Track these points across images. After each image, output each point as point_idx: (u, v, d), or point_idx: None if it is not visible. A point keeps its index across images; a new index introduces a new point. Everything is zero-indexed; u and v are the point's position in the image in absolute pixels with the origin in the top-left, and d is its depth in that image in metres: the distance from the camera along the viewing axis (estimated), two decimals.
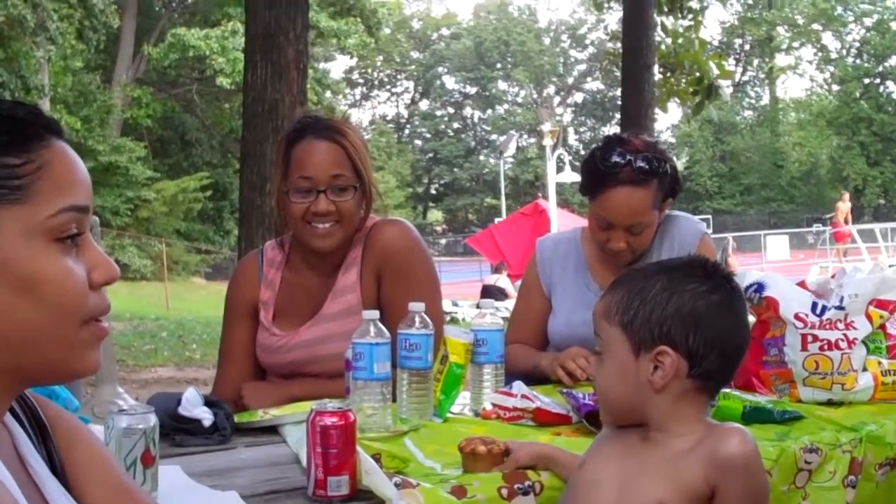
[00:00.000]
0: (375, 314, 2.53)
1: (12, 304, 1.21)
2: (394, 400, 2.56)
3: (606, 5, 13.35)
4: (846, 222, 29.66)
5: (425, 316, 2.61)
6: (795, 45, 62.62)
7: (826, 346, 2.76)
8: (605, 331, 1.86)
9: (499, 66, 68.22)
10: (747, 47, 64.78)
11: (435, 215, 69.69)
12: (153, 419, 1.86)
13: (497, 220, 30.03)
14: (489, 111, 69.73)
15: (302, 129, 3.10)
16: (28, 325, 1.22)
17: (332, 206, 2.98)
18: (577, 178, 20.22)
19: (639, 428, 1.87)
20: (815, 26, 59.94)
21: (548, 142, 26.21)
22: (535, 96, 69.40)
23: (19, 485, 1.21)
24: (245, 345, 3.21)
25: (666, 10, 10.98)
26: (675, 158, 3.36)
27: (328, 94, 43.10)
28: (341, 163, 3.01)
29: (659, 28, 10.57)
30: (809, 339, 2.77)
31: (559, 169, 24.68)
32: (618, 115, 9.91)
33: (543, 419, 2.56)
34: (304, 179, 3.00)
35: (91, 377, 2.36)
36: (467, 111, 70.98)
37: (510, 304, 12.84)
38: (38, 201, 1.23)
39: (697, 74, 10.87)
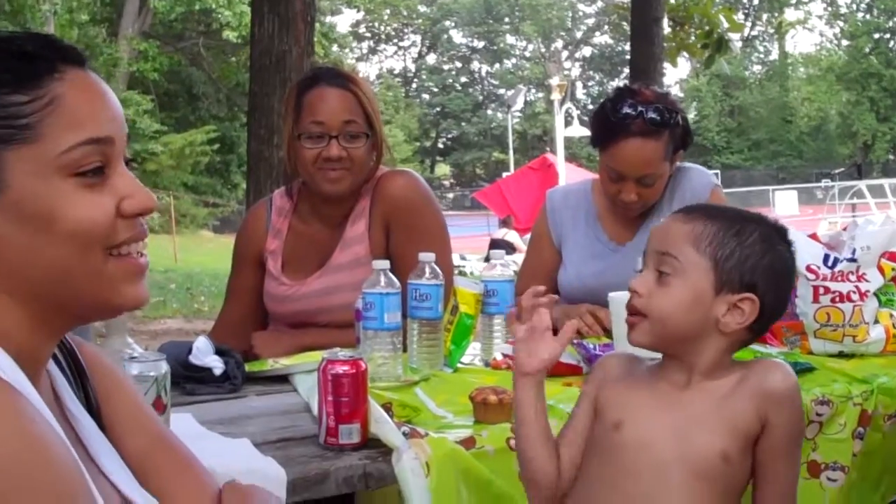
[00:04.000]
0: (386, 264, 2.53)
1: (35, 242, 1.20)
2: (404, 350, 2.57)
3: None
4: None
5: (435, 266, 2.61)
6: None
7: (838, 299, 2.75)
8: (688, 256, 1.79)
9: (507, 19, 67.87)
10: (756, 1, 64.34)
11: (442, 169, 69.56)
12: (164, 366, 1.86)
13: (505, 174, 29.93)
14: (497, 65, 69.46)
15: (314, 77, 3.10)
16: (54, 262, 1.22)
17: (344, 151, 2.98)
18: (585, 132, 20.13)
19: (666, 375, 1.85)
20: None
21: (556, 96, 26.07)
22: (543, 50, 69.07)
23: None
24: (249, 289, 3.24)
25: None
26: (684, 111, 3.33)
27: (335, 47, 42.87)
28: (353, 110, 3.00)
29: None
30: (821, 290, 2.76)
31: (567, 123, 24.56)
32: (626, 70, 9.86)
33: (554, 370, 2.55)
34: (316, 125, 3.00)
35: (101, 329, 2.36)
36: (475, 65, 70.70)
37: (518, 257, 12.85)
38: (48, 139, 1.21)
39: (707, 28, 10.79)
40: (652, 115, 3.11)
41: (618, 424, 1.84)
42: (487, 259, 2.98)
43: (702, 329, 1.80)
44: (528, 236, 3.92)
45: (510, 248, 17.47)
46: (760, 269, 1.80)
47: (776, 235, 1.86)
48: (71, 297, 1.24)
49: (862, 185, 30.17)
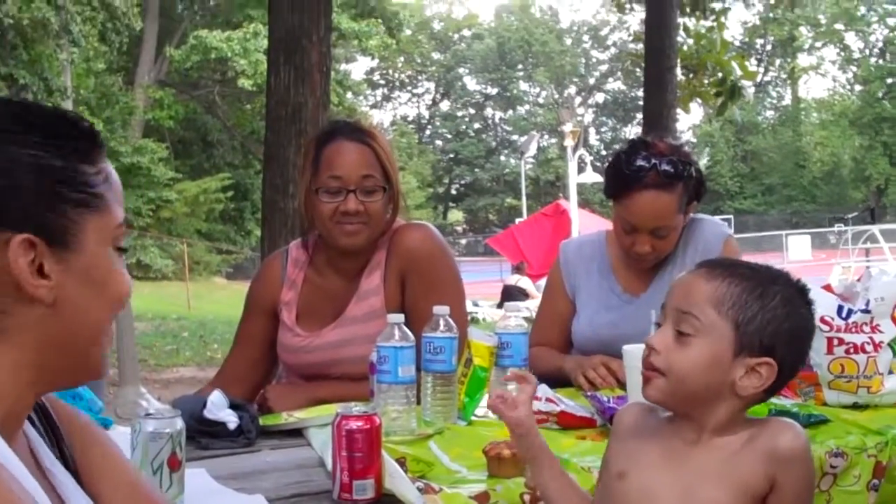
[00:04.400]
0: (400, 318, 2.53)
1: (91, 305, 1.31)
2: (418, 403, 2.57)
3: (628, 6, 13.29)
4: None
5: (449, 319, 2.62)
6: (818, 44, 62.46)
7: (852, 350, 2.75)
8: (710, 317, 1.78)
9: (520, 66, 68.19)
10: (769, 47, 64.60)
11: (455, 215, 69.67)
12: (180, 423, 1.87)
13: (518, 220, 29.98)
14: (510, 111, 69.71)
15: (332, 132, 3.14)
16: (97, 325, 1.33)
17: (362, 206, 3.00)
18: (598, 178, 20.17)
19: (677, 430, 1.84)
20: (838, 26, 59.70)
21: (569, 142, 26.13)
22: (556, 97, 69.32)
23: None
24: (258, 337, 3.26)
25: (688, 11, 10.95)
26: (697, 160, 3.35)
27: (349, 95, 43.12)
28: (371, 164, 3.03)
29: (681, 29, 10.53)
30: (835, 342, 2.76)
31: (580, 169, 24.64)
32: (639, 116, 9.93)
33: (568, 422, 2.56)
34: (334, 179, 3.02)
35: (115, 378, 2.38)
36: (488, 111, 70.98)
37: (531, 304, 12.82)
38: (108, 211, 1.33)
39: (720, 75, 10.83)
40: (666, 167, 3.12)
41: (622, 474, 1.85)
42: (500, 305, 2.96)
43: (718, 390, 1.80)
44: (540, 282, 3.93)
45: (523, 295, 17.45)
46: (781, 333, 1.79)
47: (798, 297, 1.85)
48: (86, 358, 1.34)
49: (875, 229, 30.08)
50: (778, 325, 1.79)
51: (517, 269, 20.95)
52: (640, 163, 3.15)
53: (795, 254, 32.91)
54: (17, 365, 1.25)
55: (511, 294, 17.04)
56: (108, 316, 1.34)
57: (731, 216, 41.74)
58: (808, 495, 1.82)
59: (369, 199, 3.01)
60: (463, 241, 58.57)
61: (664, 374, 1.80)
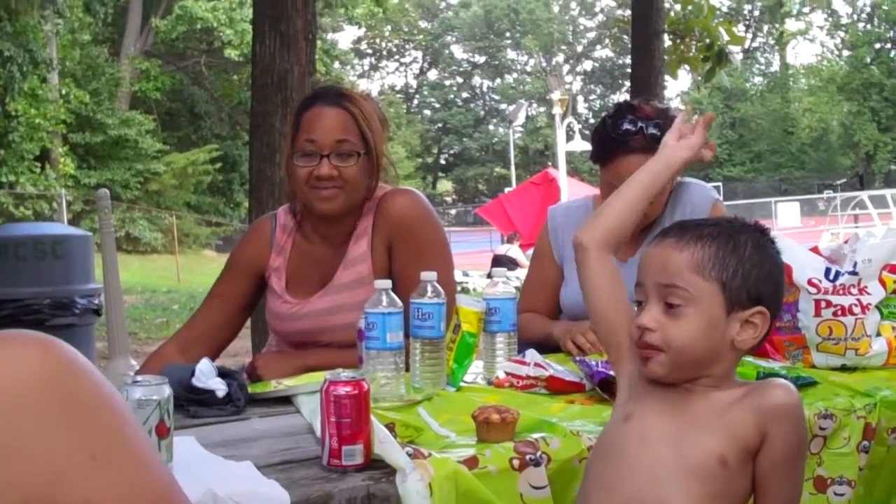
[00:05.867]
0: (388, 284, 2.53)
1: None
2: (407, 369, 2.57)
3: None
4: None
5: (437, 285, 2.61)
6: (805, 10, 62.34)
7: (839, 312, 2.75)
8: (695, 284, 1.79)
9: (508, 34, 67.99)
10: (757, 13, 64.46)
11: (445, 185, 69.64)
12: (167, 390, 1.86)
13: (507, 189, 29.95)
14: (498, 80, 69.56)
15: (314, 97, 3.14)
16: None
17: (335, 170, 2.99)
18: (586, 146, 20.15)
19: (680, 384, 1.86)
20: None
21: (557, 110, 26.09)
22: (544, 65, 69.17)
23: None
24: (234, 297, 3.24)
25: None
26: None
27: (336, 64, 42.97)
28: (347, 128, 3.02)
29: None
30: (823, 304, 2.76)
31: (569, 137, 24.60)
32: (627, 83, 9.87)
33: (556, 387, 2.56)
34: (309, 143, 3.02)
35: (104, 351, 2.37)
36: (476, 80, 70.86)
37: (521, 273, 12.84)
38: None
39: (707, 41, 10.78)
40: (652, 130, 3.11)
41: (628, 417, 1.88)
42: (490, 275, 2.97)
43: (718, 351, 1.82)
44: (530, 251, 3.92)
45: (513, 264, 17.49)
46: (763, 278, 1.82)
47: (763, 238, 1.88)
48: None
49: (864, 195, 30.19)
50: (759, 271, 1.82)
51: (509, 240, 20.98)
52: (626, 126, 3.15)
53: (784, 221, 32.96)
54: None
55: (501, 263, 17.03)
56: None
57: (719, 183, 41.74)
58: (799, 450, 1.84)
59: (343, 163, 3.00)
60: (452, 212, 58.58)
61: (663, 350, 1.81)
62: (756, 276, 1.81)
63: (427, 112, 70.27)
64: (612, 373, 2.30)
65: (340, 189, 3.01)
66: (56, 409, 1.03)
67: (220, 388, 2.44)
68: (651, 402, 1.87)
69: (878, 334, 2.78)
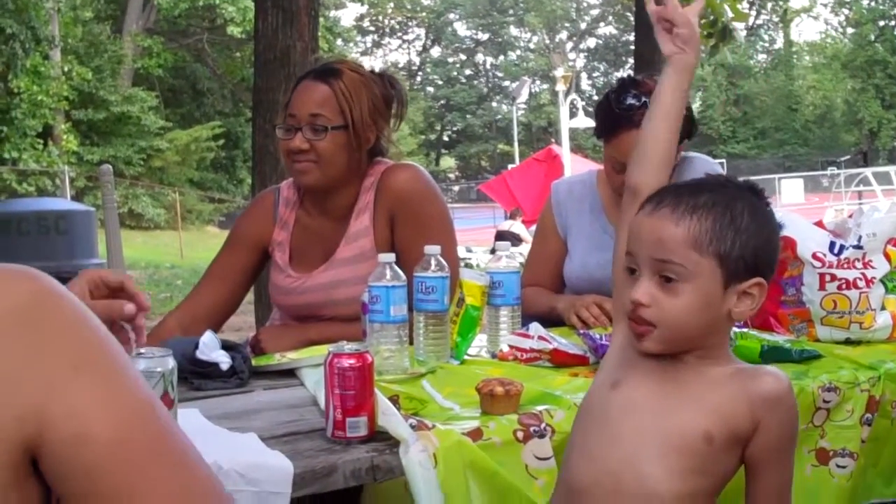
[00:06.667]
0: (391, 257, 2.52)
1: None
2: (411, 343, 2.57)
3: None
4: None
5: (441, 258, 2.61)
6: None
7: (844, 286, 2.75)
8: (693, 260, 1.74)
9: (511, 11, 67.84)
10: None
11: (448, 162, 69.60)
12: (171, 362, 1.86)
13: (510, 166, 29.90)
14: (501, 57, 69.45)
15: (308, 73, 3.15)
16: None
17: (307, 143, 3.00)
18: (590, 123, 20.12)
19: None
20: None
21: (560, 87, 26.01)
22: (547, 42, 69.03)
23: None
24: (236, 271, 3.24)
25: None
26: (688, 100, 3.33)
27: (339, 41, 42.87)
28: (324, 103, 3.01)
29: None
30: (827, 278, 2.76)
31: (572, 114, 24.54)
32: (631, 60, 9.84)
33: (560, 360, 2.56)
34: (290, 117, 3.05)
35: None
36: (479, 57, 70.72)
37: (524, 249, 12.82)
38: None
39: (712, 17, 10.75)
40: None
41: (616, 383, 1.85)
42: (493, 251, 2.96)
43: (715, 324, 1.79)
44: (534, 227, 3.92)
45: (516, 240, 17.44)
46: (760, 247, 1.77)
47: (758, 200, 1.83)
48: None
49: (868, 172, 30.17)
50: (755, 241, 1.77)
51: (512, 216, 20.95)
52: (629, 101, 3.14)
53: (788, 197, 32.92)
54: None
55: (504, 239, 16.97)
56: None
57: (723, 160, 41.64)
58: (793, 436, 1.83)
59: (315, 137, 3.00)
60: (455, 188, 58.52)
61: (656, 325, 1.77)
62: (754, 247, 1.76)
63: (430, 89, 70.16)
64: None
65: (314, 163, 3.02)
66: (37, 329, 1.09)
67: (223, 360, 2.45)
68: (641, 370, 1.83)
69: (883, 308, 2.78)
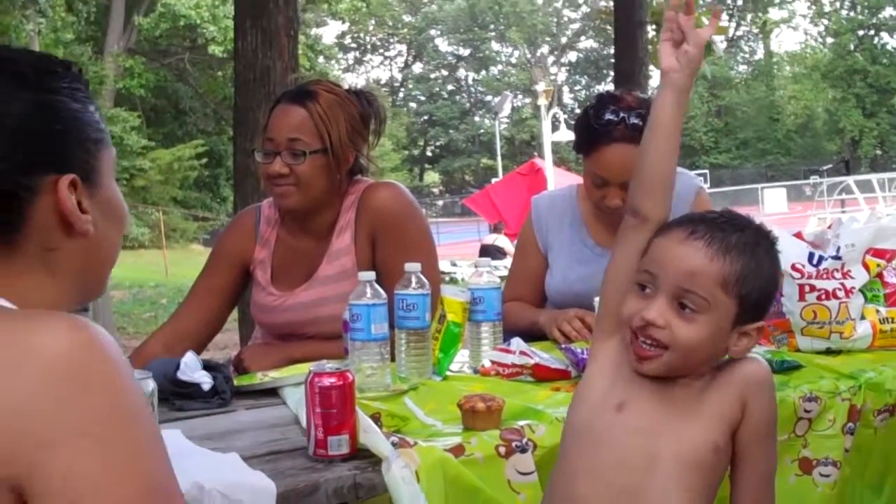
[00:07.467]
0: (371, 276, 2.53)
1: (115, 233, 1.45)
2: (393, 360, 2.57)
3: None
4: None
5: (421, 276, 2.62)
6: None
7: (824, 296, 2.76)
8: (716, 297, 1.78)
9: (492, 26, 67.91)
10: (740, 2, 64.47)
11: (432, 177, 69.62)
12: (152, 384, 1.86)
13: (494, 180, 29.92)
14: (483, 72, 69.55)
15: (284, 95, 3.17)
16: (116, 247, 1.47)
17: (286, 168, 3.01)
18: (572, 136, 20.15)
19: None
20: None
21: (542, 101, 26.05)
22: (528, 56, 69.12)
23: None
24: (219, 290, 3.24)
25: None
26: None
27: (321, 59, 42.86)
28: (302, 127, 3.02)
29: None
30: (807, 289, 2.77)
31: (554, 128, 24.60)
32: (612, 73, 9.86)
33: (542, 375, 2.57)
34: (268, 141, 3.05)
35: None
36: (461, 73, 70.80)
37: (509, 262, 12.82)
38: (110, 145, 1.46)
39: None
40: (634, 120, 3.11)
41: (621, 406, 1.87)
42: (476, 265, 2.96)
43: (713, 357, 1.86)
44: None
45: (501, 254, 17.45)
46: (771, 294, 1.87)
47: (772, 245, 1.89)
48: (102, 279, 1.49)
49: (850, 180, 30.26)
50: (769, 287, 1.86)
51: (495, 229, 20.97)
52: (608, 117, 3.15)
53: (771, 206, 33.00)
54: (60, 294, 1.37)
55: (489, 253, 16.92)
56: (121, 238, 1.48)
57: (706, 171, 41.90)
58: (775, 420, 1.89)
59: (295, 161, 3.01)
60: (440, 203, 58.60)
61: (667, 347, 1.80)
62: (768, 293, 1.85)
63: (413, 105, 70.20)
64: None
65: (294, 186, 3.02)
66: (62, 383, 1.09)
67: (205, 381, 2.45)
68: (641, 391, 1.86)
69: (863, 317, 2.80)
